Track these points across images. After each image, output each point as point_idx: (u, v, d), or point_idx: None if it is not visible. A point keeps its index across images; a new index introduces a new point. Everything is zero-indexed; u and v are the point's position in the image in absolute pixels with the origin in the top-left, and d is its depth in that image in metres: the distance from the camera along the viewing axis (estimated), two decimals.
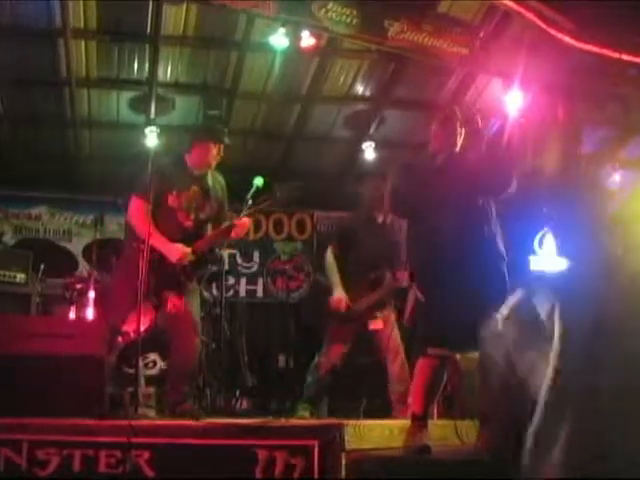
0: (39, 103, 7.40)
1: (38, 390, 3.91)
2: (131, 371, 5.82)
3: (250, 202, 4.75)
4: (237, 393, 6.58)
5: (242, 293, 9.11)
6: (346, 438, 3.92)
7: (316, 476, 3.80)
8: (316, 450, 3.86)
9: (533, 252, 9.84)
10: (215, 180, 4.87)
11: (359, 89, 7.73)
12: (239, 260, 9.01)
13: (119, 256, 5.27)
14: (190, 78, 7.34)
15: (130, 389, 4.31)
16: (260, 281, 9.21)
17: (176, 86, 7.39)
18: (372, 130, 8.19)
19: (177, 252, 4.57)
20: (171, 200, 4.64)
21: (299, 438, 3.89)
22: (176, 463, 3.72)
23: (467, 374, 4.97)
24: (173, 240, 4.60)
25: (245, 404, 6.52)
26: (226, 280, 7.68)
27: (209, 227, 4.81)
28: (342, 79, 7.54)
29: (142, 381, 6.15)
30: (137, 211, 4.61)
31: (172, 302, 4.53)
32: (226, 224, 4.74)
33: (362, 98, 7.88)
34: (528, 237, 9.54)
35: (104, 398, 4.06)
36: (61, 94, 7.30)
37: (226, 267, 6.81)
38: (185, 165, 4.79)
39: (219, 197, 4.86)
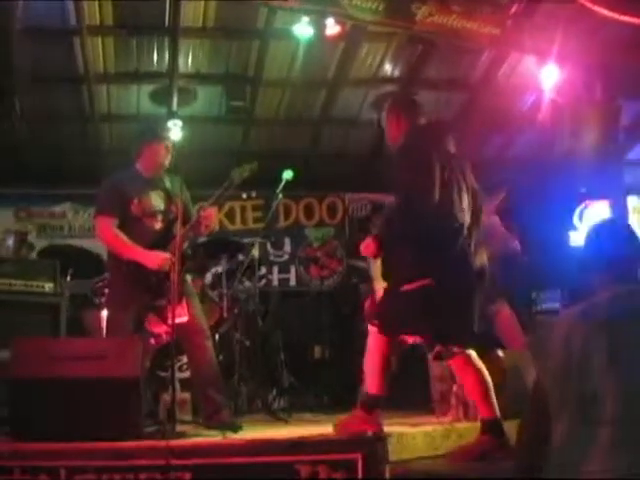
0: (57, 101, 7.45)
1: (72, 414, 3.95)
2: (165, 374, 5.95)
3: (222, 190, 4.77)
4: (274, 392, 6.60)
5: (275, 282, 9.17)
6: (390, 449, 3.97)
7: None
8: (359, 464, 3.89)
9: (573, 227, 9.77)
10: (172, 180, 4.87)
11: (387, 70, 7.68)
12: (270, 249, 9.03)
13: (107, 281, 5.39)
14: (212, 68, 7.35)
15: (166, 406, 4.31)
16: (293, 269, 9.24)
17: (197, 77, 7.40)
18: None
19: (155, 259, 4.59)
20: (134, 208, 4.70)
21: (341, 452, 3.92)
22: None
23: (510, 371, 4.98)
24: (147, 246, 4.65)
25: (282, 402, 6.55)
26: (258, 270, 7.72)
27: (178, 228, 4.71)
28: (369, 62, 7.52)
29: (177, 385, 6.29)
30: (105, 230, 4.71)
31: (169, 311, 4.53)
32: (193, 219, 4.76)
33: (390, 80, 7.83)
34: (567, 213, 9.47)
35: (140, 420, 4.10)
36: (79, 91, 7.33)
37: (256, 255, 6.77)
38: (138, 173, 4.85)
39: (180, 196, 4.78)
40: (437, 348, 4.25)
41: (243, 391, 6.24)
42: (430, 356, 4.48)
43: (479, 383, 4.25)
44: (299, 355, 7.79)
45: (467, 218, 4.29)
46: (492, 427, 4.19)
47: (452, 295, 4.14)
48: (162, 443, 3.80)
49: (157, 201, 4.83)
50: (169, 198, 4.85)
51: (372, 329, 4.31)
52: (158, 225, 4.81)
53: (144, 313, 4.75)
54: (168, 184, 4.88)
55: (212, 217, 4.87)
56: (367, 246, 4.28)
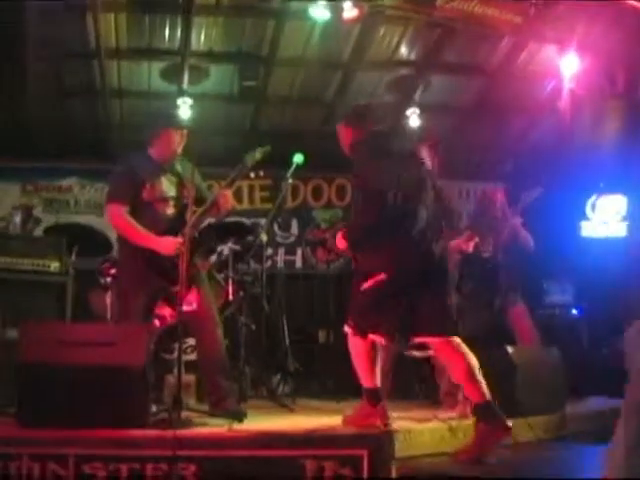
0: (68, 75, 7.43)
1: (78, 401, 4.02)
2: (169, 357, 6.01)
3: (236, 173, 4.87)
4: (279, 377, 6.66)
5: (280, 264, 9.19)
6: (396, 445, 4.02)
7: None
8: (365, 460, 3.95)
9: (585, 217, 9.78)
10: (184, 166, 4.93)
11: (403, 54, 7.64)
12: (277, 230, 9.05)
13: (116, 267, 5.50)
14: (225, 46, 7.31)
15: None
16: (299, 251, 9.26)
17: (210, 55, 7.37)
18: (417, 95, 8.11)
19: (168, 245, 4.64)
20: (146, 194, 4.76)
21: (348, 447, 3.98)
22: (222, 475, 3.84)
23: (521, 368, 5.02)
24: (159, 232, 4.70)
25: (287, 387, 6.60)
26: (264, 249, 7.74)
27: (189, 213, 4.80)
28: (385, 44, 7.47)
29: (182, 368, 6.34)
30: (117, 217, 4.76)
31: (181, 298, 4.57)
32: (208, 202, 4.81)
33: (407, 63, 7.80)
34: (578, 203, 9.49)
35: (147, 409, 4.16)
36: (90, 65, 7.32)
37: (264, 240, 6.81)
38: (151, 158, 4.90)
39: (193, 181, 4.86)
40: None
41: (248, 375, 6.31)
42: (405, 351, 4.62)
43: (464, 368, 4.31)
44: (304, 339, 7.85)
45: (428, 214, 4.43)
46: (485, 412, 4.20)
47: (409, 287, 4.28)
48: (169, 433, 3.86)
49: (169, 187, 4.89)
50: (181, 183, 4.90)
51: (347, 330, 4.47)
52: (170, 210, 4.86)
53: (155, 299, 4.81)
54: (180, 169, 4.92)
55: (227, 199, 4.91)
56: (339, 241, 4.50)
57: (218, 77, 7.75)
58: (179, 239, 4.63)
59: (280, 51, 7.38)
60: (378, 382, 4.48)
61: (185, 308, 4.51)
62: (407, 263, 4.29)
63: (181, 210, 4.82)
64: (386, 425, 4.27)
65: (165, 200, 4.82)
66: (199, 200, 4.79)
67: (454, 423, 4.65)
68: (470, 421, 4.70)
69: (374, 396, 4.46)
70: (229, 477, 3.84)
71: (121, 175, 4.87)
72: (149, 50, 7.25)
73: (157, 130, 4.89)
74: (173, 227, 4.74)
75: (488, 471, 4.09)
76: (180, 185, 4.90)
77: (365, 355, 4.50)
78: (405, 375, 6.23)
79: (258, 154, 4.87)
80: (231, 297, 6.58)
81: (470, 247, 5.92)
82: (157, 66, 7.54)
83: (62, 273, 5.93)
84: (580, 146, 7.58)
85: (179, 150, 4.89)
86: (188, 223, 4.54)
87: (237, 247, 7.72)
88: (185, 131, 4.92)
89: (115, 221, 4.79)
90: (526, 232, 6.42)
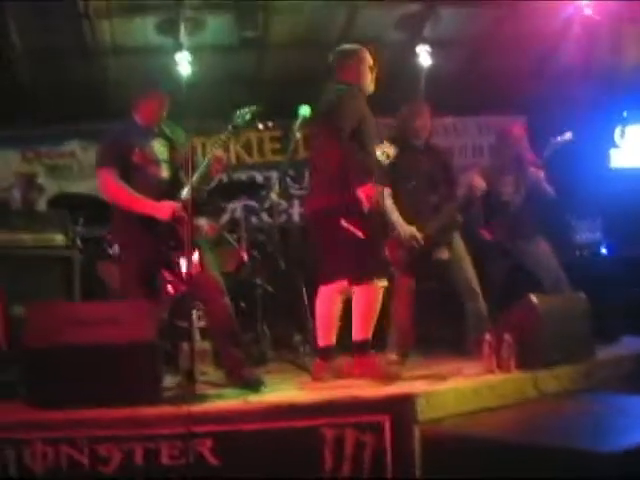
0: (58, 36, 7.40)
1: (90, 382, 4.08)
2: (184, 325, 6.07)
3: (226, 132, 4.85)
4: (299, 338, 6.69)
5: (295, 218, 9.19)
6: (418, 409, 4.06)
7: (389, 453, 3.95)
8: (387, 425, 4.00)
9: (614, 145, 9.65)
10: (173, 130, 4.99)
11: None
12: (290, 182, 9.03)
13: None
14: None
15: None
16: None
17: (206, 6, 7.30)
18: (427, 31, 8.00)
19: (165, 209, 4.65)
20: (136, 157, 4.77)
21: (368, 413, 4.03)
22: (240, 449, 3.91)
23: (546, 317, 5.01)
24: (154, 197, 4.71)
25: (308, 346, 6.65)
26: (277, 205, 7.77)
27: (182, 175, 4.87)
28: None
29: (197, 335, 6.41)
30: (109, 182, 4.77)
31: (182, 265, 4.60)
32: (203, 166, 4.79)
33: None
34: (608, 130, 9.37)
35: (159, 385, 4.22)
36: (80, 25, 7.28)
37: (275, 199, 6.82)
38: (137, 124, 4.92)
39: (184, 143, 4.97)
40: None
41: (268, 337, 6.36)
42: None
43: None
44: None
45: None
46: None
47: None
48: (183, 410, 3.92)
49: (160, 149, 4.91)
50: (172, 147, 4.94)
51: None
52: (164, 174, 4.89)
53: (157, 266, 4.84)
54: (169, 133, 4.97)
55: (221, 161, 4.91)
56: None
57: (216, 28, 7.70)
58: (176, 203, 4.65)
59: None
60: None
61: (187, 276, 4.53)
62: None
63: (175, 173, 4.87)
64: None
65: (157, 163, 4.85)
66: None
67: (479, 381, 4.66)
68: (495, 377, 4.77)
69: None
70: (247, 450, 3.91)
71: (108, 142, 4.89)
72: (142, 5, 7.18)
73: (138, 97, 4.92)
74: (168, 191, 4.77)
75: (512, 429, 4.13)
76: (172, 148, 4.93)
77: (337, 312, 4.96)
78: (429, 322, 6.24)
79: (248, 114, 4.85)
80: (245, 258, 6.63)
81: (477, 187, 5.97)
82: (152, 20, 7.48)
83: (68, 246, 5.97)
84: (601, 73, 7.47)
85: (163, 114, 4.93)
86: (185, 187, 4.62)
87: (252, 203, 7.79)
88: (167, 96, 4.93)
89: (107, 187, 4.80)
90: (547, 185, 6.34)
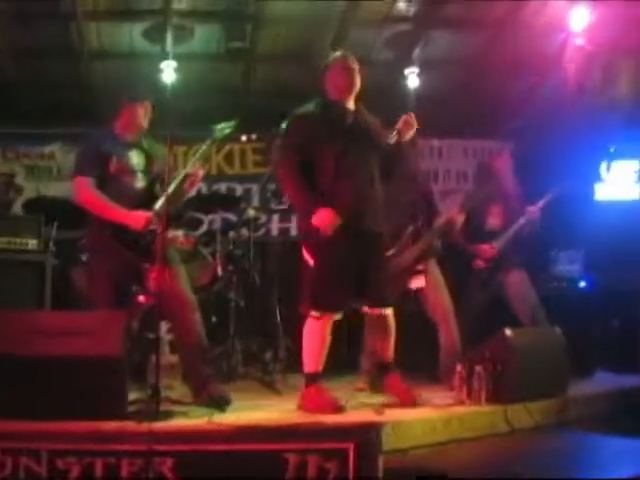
0: (44, 37, 7.38)
1: (53, 394, 4.06)
2: (153, 336, 6.04)
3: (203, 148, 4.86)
4: (269, 355, 6.67)
5: (274, 232, 9.15)
6: (384, 438, 4.04)
7: None
8: (351, 453, 3.97)
9: (599, 179, 9.71)
10: (150, 143, 5.04)
11: (401, 8, 7.52)
12: (270, 196, 8.99)
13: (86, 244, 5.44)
14: (210, 5, 7.22)
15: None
16: (294, 218, 9.19)
17: (194, 14, 7.29)
18: (416, 53, 8.02)
19: (138, 219, 4.66)
20: (113, 167, 4.79)
21: (333, 440, 3.99)
22: (201, 470, 3.86)
23: (519, 351, 5.01)
24: (128, 206, 4.72)
25: (278, 365, 6.62)
26: (256, 219, 7.74)
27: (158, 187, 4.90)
28: None
29: (165, 348, 6.40)
30: (84, 190, 4.79)
31: (152, 277, 4.60)
32: (177, 180, 4.78)
33: (405, 18, 7.69)
34: (593, 164, 9.42)
35: (124, 400, 4.18)
36: (67, 27, 7.28)
37: (252, 214, 6.83)
38: (116, 133, 4.96)
39: (160, 156, 4.99)
40: None
41: (239, 353, 6.34)
42: None
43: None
44: (299, 312, 7.84)
45: None
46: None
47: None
48: (145, 427, 3.89)
49: (137, 159, 4.94)
50: (149, 158, 4.97)
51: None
52: (139, 184, 4.91)
53: (129, 277, 4.84)
54: (146, 145, 5.01)
55: (198, 176, 4.93)
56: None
57: (204, 37, 7.68)
58: (150, 214, 4.66)
59: (269, 8, 7.30)
60: None
61: (155, 289, 4.53)
62: None
63: (150, 184, 4.88)
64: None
65: (133, 173, 4.87)
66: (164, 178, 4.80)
67: (448, 412, 4.65)
68: (465, 409, 4.77)
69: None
70: (208, 471, 3.87)
71: (85, 150, 4.92)
72: (130, 11, 7.18)
73: (119, 105, 4.95)
74: (143, 201, 4.78)
75: (481, 463, 4.12)
76: (148, 159, 4.96)
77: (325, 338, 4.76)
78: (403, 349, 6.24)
79: (227, 129, 4.84)
80: (220, 272, 6.61)
81: (456, 221, 5.99)
82: (139, 27, 7.47)
83: (41, 250, 5.95)
84: (590, 106, 7.51)
85: (144, 124, 4.96)
86: (160, 199, 4.63)
87: (230, 216, 7.76)
88: (149, 105, 4.96)
89: (82, 195, 4.81)
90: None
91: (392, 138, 4.84)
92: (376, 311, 4.90)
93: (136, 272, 4.76)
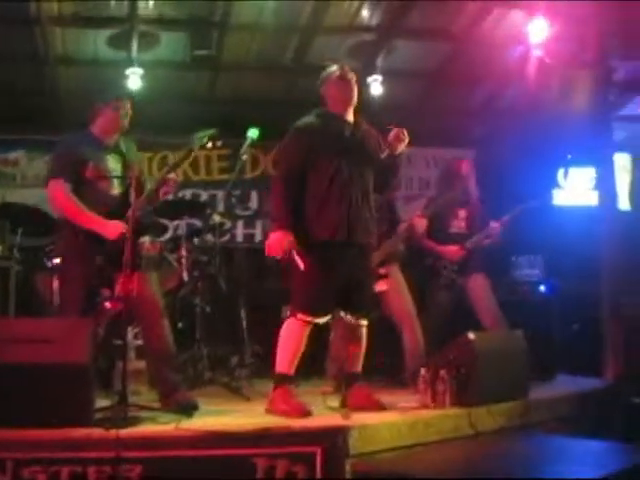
0: (9, 42, 7.28)
1: (19, 402, 3.98)
2: (120, 343, 5.98)
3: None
4: (236, 360, 6.64)
5: (239, 238, 9.14)
6: (351, 442, 4.03)
7: None
8: (319, 457, 3.97)
9: (557, 186, 9.84)
10: (128, 146, 4.97)
11: (365, 18, 7.55)
12: (235, 202, 8.97)
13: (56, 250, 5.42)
14: (176, 12, 7.18)
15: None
16: (259, 224, 9.20)
17: (160, 21, 7.25)
18: (380, 61, 8.05)
19: (113, 229, 4.60)
20: (89, 172, 4.71)
21: (300, 444, 4.00)
22: (169, 476, 3.84)
23: (483, 354, 5.03)
24: (103, 213, 4.66)
25: (245, 371, 6.59)
26: (221, 225, 7.71)
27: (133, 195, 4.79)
28: (346, 7, 7.37)
29: (132, 354, 6.34)
30: (59, 194, 4.72)
31: (121, 285, 4.51)
32: (152, 186, 4.79)
33: (369, 28, 7.72)
34: (551, 170, 9.54)
35: (90, 408, 4.12)
36: (32, 33, 7.19)
37: (217, 220, 6.82)
38: (93, 136, 4.88)
39: (136, 161, 4.99)
40: None
41: (205, 359, 6.30)
42: None
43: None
44: (266, 317, 7.82)
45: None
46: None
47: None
48: (112, 434, 3.84)
49: (114, 165, 4.86)
50: (126, 163, 4.90)
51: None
52: (115, 191, 4.84)
53: (99, 283, 4.78)
54: (124, 149, 4.93)
55: (173, 185, 4.89)
56: None
57: (170, 44, 7.64)
58: (123, 223, 4.59)
59: (234, 16, 7.29)
60: None
61: (125, 295, 4.46)
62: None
63: (126, 191, 4.78)
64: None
65: (109, 179, 4.79)
66: (138, 183, 4.78)
67: (414, 416, 4.65)
68: (431, 412, 4.77)
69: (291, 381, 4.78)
70: (176, 477, 3.84)
71: (62, 153, 4.83)
72: (95, 17, 7.11)
73: (97, 107, 4.86)
74: (118, 209, 4.71)
75: (446, 466, 4.12)
76: (125, 165, 4.89)
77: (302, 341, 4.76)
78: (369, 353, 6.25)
79: (205, 138, 4.81)
80: (186, 278, 6.56)
81: (417, 227, 6.02)
82: (104, 33, 7.40)
83: (5, 257, 5.88)
84: (548, 116, 7.59)
85: (122, 127, 4.89)
86: (132, 207, 4.53)
87: (195, 222, 7.73)
88: (126, 109, 4.88)
89: (57, 199, 4.74)
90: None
91: (384, 152, 4.88)
92: (356, 320, 4.90)
93: (107, 277, 4.70)
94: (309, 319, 4.70)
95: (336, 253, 4.71)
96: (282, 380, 4.75)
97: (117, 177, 4.83)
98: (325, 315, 4.75)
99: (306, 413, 4.53)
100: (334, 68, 5.02)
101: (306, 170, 4.77)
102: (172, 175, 4.87)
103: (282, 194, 4.76)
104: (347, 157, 4.77)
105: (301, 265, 4.69)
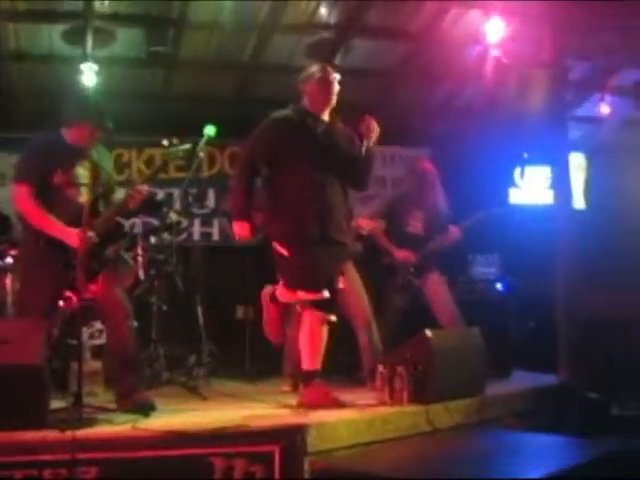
0: None
1: None
2: (75, 343, 5.92)
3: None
4: (193, 360, 6.61)
5: (196, 237, 9.09)
6: (309, 440, 4.04)
7: None
8: (277, 456, 3.97)
9: (514, 184, 9.94)
10: (100, 153, 4.93)
11: (323, 16, 7.56)
12: (192, 200, 8.91)
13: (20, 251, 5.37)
14: (131, 8, 7.12)
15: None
16: (216, 223, 9.16)
17: (116, 18, 7.18)
18: (337, 60, 8.05)
19: (77, 236, 4.52)
20: (57, 179, 4.65)
21: (258, 444, 4.00)
22: (126, 477, 3.81)
23: (440, 352, 5.06)
24: (69, 221, 4.60)
25: (202, 370, 6.56)
26: (178, 224, 7.67)
27: (101, 202, 4.86)
28: (303, 6, 7.38)
29: (87, 354, 6.27)
30: (25, 199, 4.64)
31: (88, 289, 4.54)
32: (122, 197, 4.81)
33: (326, 26, 7.74)
34: (507, 169, 9.64)
35: (45, 409, 4.07)
36: None
37: (174, 219, 6.80)
38: (65, 141, 4.80)
39: (107, 170, 4.95)
40: None
41: (162, 358, 6.27)
42: None
43: None
44: (221, 316, 7.81)
45: None
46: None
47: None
48: (68, 436, 3.81)
49: (82, 173, 4.77)
50: (95, 171, 4.80)
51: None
52: (82, 198, 4.73)
53: (61, 285, 4.70)
54: (95, 155, 4.85)
55: (143, 195, 4.86)
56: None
57: (126, 41, 7.57)
58: (90, 233, 4.56)
59: (191, 14, 7.25)
60: None
61: (88, 296, 4.47)
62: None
63: (94, 199, 4.73)
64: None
65: (77, 186, 4.70)
66: (108, 192, 4.82)
67: (372, 413, 4.67)
68: (388, 409, 4.80)
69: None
70: (133, 478, 3.82)
71: (30, 156, 4.74)
72: (49, 12, 7.02)
73: (73, 119, 4.77)
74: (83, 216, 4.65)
75: (405, 463, 4.14)
76: (94, 172, 4.79)
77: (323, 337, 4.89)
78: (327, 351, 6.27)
79: (180, 152, 4.80)
80: (142, 276, 6.52)
81: (363, 228, 6.05)
82: (59, 28, 7.31)
83: None
84: (505, 115, 7.66)
85: (95, 143, 4.83)
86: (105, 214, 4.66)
87: (151, 220, 7.68)
88: (104, 132, 4.82)
89: (22, 204, 4.66)
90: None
91: (364, 148, 4.93)
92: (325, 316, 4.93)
93: (69, 280, 4.63)
94: (316, 297, 4.78)
95: (312, 245, 4.77)
96: (311, 376, 4.87)
97: (85, 185, 4.73)
98: (331, 286, 4.86)
99: (340, 404, 4.73)
100: (318, 67, 5.04)
101: (279, 166, 4.81)
102: (144, 187, 4.86)
103: (241, 179, 4.85)
104: (321, 155, 4.81)
105: (284, 252, 4.74)
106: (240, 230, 4.91)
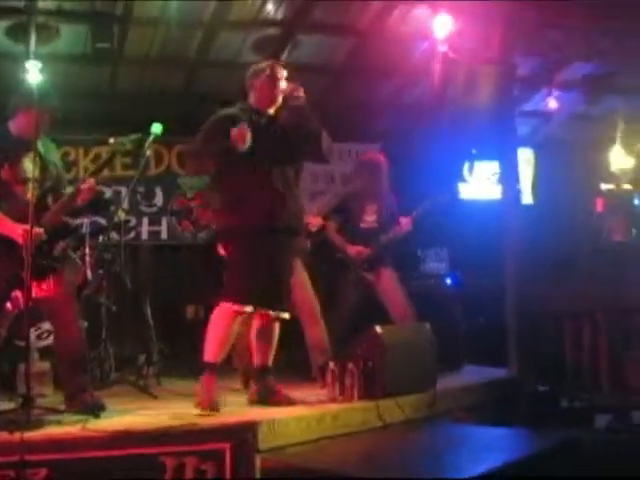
0: None
1: None
2: (23, 344, 5.89)
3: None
4: (143, 359, 6.61)
5: (144, 236, 9.07)
6: (260, 437, 4.08)
7: None
8: (228, 453, 4.00)
9: (462, 179, 10.09)
10: (47, 146, 4.87)
11: (270, 12, 7.59)
12: (139, 199, 8.90)
13: None
14: (76, 4, 7.07)
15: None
16: (164, 221, 9.13)
17: (59, 14, 7.12)
18: (284, 56, 8.09)
19: (24, 232, 4.46)
20: (4, 174, 4.62)
21: (209, 442, 4.02)
22: (76, 478, 3.81)
23: (390, 347, 5.13)
24: (17, 217, 4.55)
25: (152, 370, 6.57)
26: (126, 223, 7.66)
27: (50, 197, 4.80)
28: (250, 1, 7.39)
29: (35, 355, 6.22)
30: None
31: (36, 288, 4.52)
32: (70, 191, 4.78)
33: (273, 22, 7.77)
34: (456, 164, 9.78)
35: None
36: None
37: (122, 217, 6.79)
38: (11, 135, 4.77)
39: (55, 163, 4.90)
40: None
41: (111, 358, 6.27)
42: None
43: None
44: (171, 316, 7.82)
45: None
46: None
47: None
48: (16, 437, 3.79)
49: (31, 166, 4.65)
50: (44, 165, 4.76)
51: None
52: (30, 194, 4.69)
53: (12, 284, 4.67)
54: (42, 149, 4.78)
55: (92, 190, 4.85)
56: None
57: (70, 37, 7.51)
58: (36, 230, 4.46)
59: (136, 10, 7.23)
60: None
61: (37, 295, 4.46)
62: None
63: (43, 194, 4.70)
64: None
65: (25, 182, 4.64)
66: (57, 187, 4.77)
67: (323, 409, 4.72)
68: (338, 406, 4.85)
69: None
70: (84, 479, 3.83)
71: None
72: None
73: (21, 105, 4.72)
74: (34, 212, 4.61)
75: (356, 459, 4.20)
76: (43, 167, 4.74)
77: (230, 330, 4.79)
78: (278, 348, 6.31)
79: (128, 144, 4.79)
80: (90, 276, 6.50)
81: (311, 225, 6.12)
82: (1, 24, 7.23)
83: None
84: (453, 110, 7.75)
85: (42, 131, 4.72)
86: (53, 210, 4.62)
87: (99, 219, 7.66)
88: (49, 115, 4.75)
89: None
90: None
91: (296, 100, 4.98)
92: (277, 314, 4.96)
93: (19, 279, 4.60)
94: (236, 308, 4.74)
95: (259, 242, 4.76)
96: (207, 368, 4.78)
97: (34, 180, 4.64)
98: (258, 304, 4.80)
99: (212, 408, 4.58)
100: (266, 64, 5.10)
101: (226, 164, 4.82)
102: (91, 180, 4.84)
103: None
104: (267, 150, 4.82)
105: (222, 251, 4.77)
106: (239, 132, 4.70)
